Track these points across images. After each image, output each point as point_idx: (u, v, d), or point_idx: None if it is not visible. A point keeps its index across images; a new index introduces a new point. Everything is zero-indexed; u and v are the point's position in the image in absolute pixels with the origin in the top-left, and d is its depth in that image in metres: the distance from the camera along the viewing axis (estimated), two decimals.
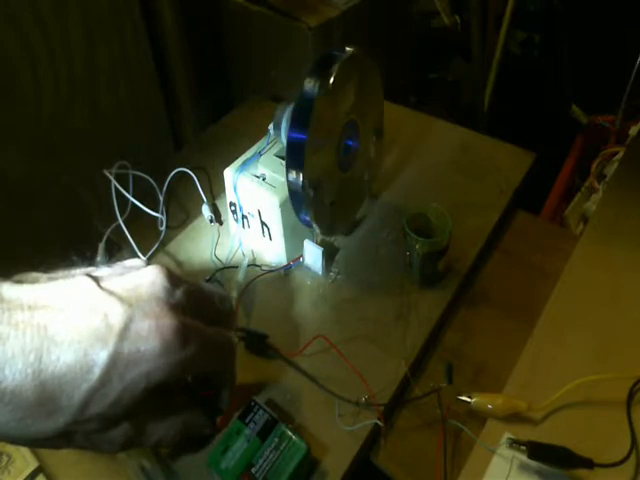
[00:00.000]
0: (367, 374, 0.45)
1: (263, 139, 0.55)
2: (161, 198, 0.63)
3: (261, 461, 0.39)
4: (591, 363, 0.45)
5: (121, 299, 0.31)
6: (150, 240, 0.60)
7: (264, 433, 0.40)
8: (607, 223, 0.57)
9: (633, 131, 0.86)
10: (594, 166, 0.88)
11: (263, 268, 0.56)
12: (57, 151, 0.76)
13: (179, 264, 0.58)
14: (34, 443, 0.31)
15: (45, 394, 0.28)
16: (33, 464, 0.44)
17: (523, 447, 0.39)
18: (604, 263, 0.53)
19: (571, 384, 0.41)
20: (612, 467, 0.38)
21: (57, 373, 0.28)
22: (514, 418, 0.42)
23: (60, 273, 0.33)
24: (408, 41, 1.16)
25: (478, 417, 0.44)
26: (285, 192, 0.48)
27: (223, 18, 0.96)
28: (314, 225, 0.49)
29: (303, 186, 0.45)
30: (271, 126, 0.51)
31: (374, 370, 0.46)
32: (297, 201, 0.47)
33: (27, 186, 0.74)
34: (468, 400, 0.43)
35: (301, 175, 0.44)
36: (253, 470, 0.38)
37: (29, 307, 0.29)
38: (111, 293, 0.31)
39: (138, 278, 0.33)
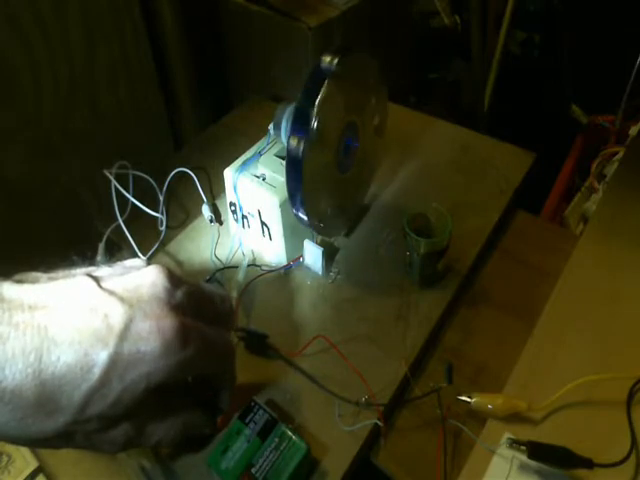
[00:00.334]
0: (367, 374, 0.45)
1: (263, 139, 0.55)
2: (161, 198, 0.63)
3: (261, 461, 0.39)
4: (591, 363, 0.45)
5: (122, 299, 0.31)
6: (150, 240, 0.60)
7: (264, 433, 0.40)
8: (607, 223, 0.57)
9: (633, 131, 0.86)
10: (594, 166, 0.88)
11: (263, 268, 0.56)
12: (57, 151, 0.76)
13: (179, 264, 0.58)
14: (34, 443, 0.31)
15: (45, 394, 0.28)
16: (33, 464, 0.44)
17: (523, 447, 0.39)
18: (604, 263, 0.53)
19: (571, 384, 0.41)
20: (612, 467, 0.38)
21: (57, 373, 0.28)
22: (514, 418, 0.42)
23: (60, 273, 0.33)
24: (408, 41, 1.16)
25: (478, 417, 0.44)
26: (285, 192, 0.48)
27: (223, 18, 0.96)
28: (312, 226, 0.49)
29: (302, 187, 0.44)
30: (271, 126, 0.51)
31: (374, 370, 0.46)
32: (296, 201, 0.47)
33: (27, 186, 0.74)
34: (468, 400, 0.43)
35: (300, 176, 0.44)
36: (253, 470, 0.38)
37: (29, 307, 0.29)
38: (112, 293, 0.31)
39: (139, 278, 0.33)
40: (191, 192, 0.64)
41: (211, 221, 0.61)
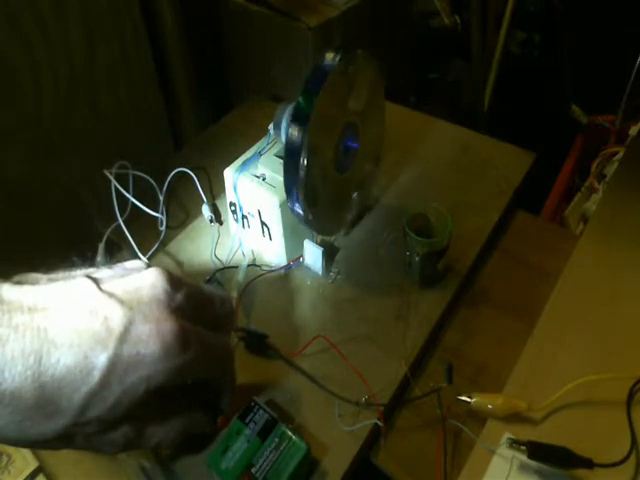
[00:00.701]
0: (367, 374, 0.45)
1: (263, 139, 0.55)
2: (161, 198, 0.63)
3: (261, 461, 0.39)
4: (591, 363, 0.45)
5: (122, 302, 0.31)
6: (150, 240, 0.60)
7: (264, 433, 0.40)
8: (607, 223, 0.57)
9: (633, 131, 0.86)
10: (594, 166, 0.88)
11: (263, 268, 0.56)
12: (57, 151, 0.76)
13: (179, 264, 0.58)
14: (33, 445, 0.31)
15: (45, 396, 0.28)
16: (33, 464, 0.44)
17: (523, 447, 0.39)
18: (604, 263, 0.53)
19: (571, 384, 0.41)
20: (612, 467, 0.38)
21: (57, 376, 0.28)
22: (514, 418, 0.42)
23: (60, 274, 0.33)
24: (408, 41, 1.16)
25: (478, 417, 0.44)
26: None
27: (223, 18, 0.96)
28: (311, 225, 0.49)
29: (300, 185, 0.44)
30: (271, 126, 0.51)
31: (374, 370, 0.46)
32: (294, 200, 0.47)
33: (27, 186, 0.74)
34: (468, 400, 0.43)
35: (298, 174, 0.44)
36: (253, 470, 0.38)
37: (29, 309, 0.29)
38: (111, 296, 0.31)
39: (139, 281, 0.33)
40: (191, 192, 0.64)
41: (211, 221, 0.61)
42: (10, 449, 0.45)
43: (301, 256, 0.55)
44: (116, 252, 0.60)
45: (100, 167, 0.61)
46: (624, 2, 1.09)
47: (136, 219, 0.61)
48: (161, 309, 0.32)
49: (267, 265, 0.56)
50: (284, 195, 0.48)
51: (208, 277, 0.55)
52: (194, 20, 0.93)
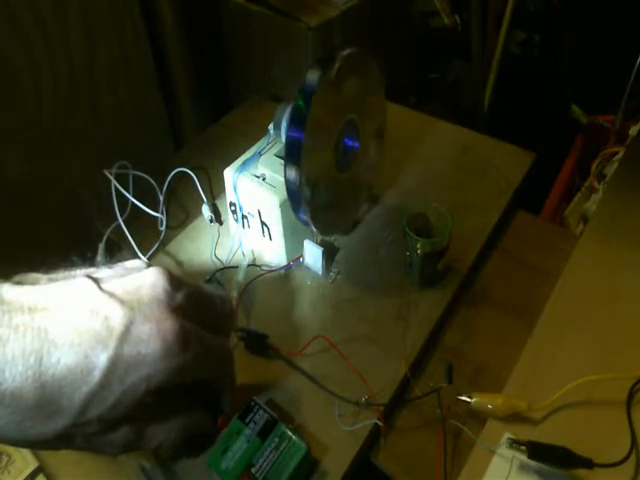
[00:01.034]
0: (367, 374, 0.45)
1: (263, 139, 0.55)
2: (161, 198, 0.63)
3: (261, 461, 0.39)
4: (591, 363, 0.45)
5: (122, 302, 0.31)
6: (150, 240, 0.60)
7: (264, 433, 0.40)
8: (607, 223, 0.57)
9: (633, 131, 0.86)
10: (594, 166, 0.88)
11: (263, 268, 0.56)
12: (57, 151, 0.76)
13: (179, 264, 0.58)
14: (34, 445, 0.31)
15: (45, 396, 0.28)
16: (33, 464, 0.44)
17: (523, 447, 0.39)
18: (604, 263, 0.53)
19: (571, 384, 0.41)
20: (612, 467, 0.38)
21: (57, 375, 0.28)
22: (514, 418, 0.42)
23: (60, 274, 0.33)
24: (408, 41, 1.16)
25: (478, 417, 0.44)
26: (285, 192, 0.48)
27: (223, 18, 0.96)
28: (311, 224, 0.49)
29: (301, 185, 0.45)
30: (271, 126, 0.51)
31: (374, 370, 0.46)
32: (295, 200, 0.47)
33: (27, 186, 0.74)
34: (468, 400, 0.43)
35: (299, 174, 0.44)
36: (253, 470, 0.38)
37: (29, 309, 0.29)
38: (112, 295, 0.31)
39: (139, 280, 0.33)
40: (191, 192, 0.64)
41: (211, 221, 0.61)
42: (10, 449, 0.45)
43: (301, 256, 0.55)
44: (116, 252, 0.60)
45: (100, 167, 0.61)
46: (624, 2, 1.09)
47: (136, 219, 0.61)
48: (161, 309, 0.32)
49: (267, 265, 0.56)
50: (284, 195, 0.48)
51: (208, 277, 0.55)
52: (194, 20, 0.93)
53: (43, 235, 0.76)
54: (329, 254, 0.56)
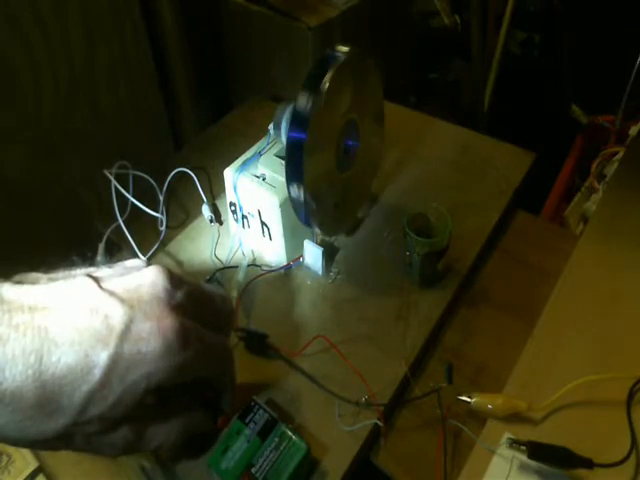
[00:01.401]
0: (367, 374, 0.45)
1: (263, 139, 0.55)
2: (161, 198, 0.63)
3: (261, 461, 0.39)
4: (591, 363, 0.45)
5: (122, 300, 0.31)
6: (150, 240, 0.60)
7: (264, 433, 0.40)
8: (607, 223, 0.57)
9: (633, 131, 0.86)
10: (594, 166, 0.88)
11: (263, 268, 0.56)
12: (57, 151, 0.76)
13: (179, 264, 0.58)
14: (33, 445, 0.31)
15: (45, 395, 0.28)
16: (33, 464, 0.44)
17: (523, 447, 0.39)
18: (604, 263, 0.53)
19: (571, 384, 0.41)
20: (612, 467, 0.38)
21: (58, 374, 0.28)
22: (514, 418, 0.42)
23: (60, 273, 0.33)
24: (408, 41, 1.16)
25: (478, 417, 0.44)
26: (285, 192, 0.48)
27: (223, 18, 0.96)
28: (313, 225, 0.49)
29: (302, 185, 0.44)
30: (271, 126, 0.51)
31: (374, 370, 0.46)
32: (296, 201, 0.47)
33: (27, 186, 0.74)
34: (468, 400, 0.43)
35: (300, 174, 0.44)
36: (253, 470, 0.38)
37: (29, 308, 0.29)
38: (112, 294, 0.31)
39: (139, 279, 0.33)
40: (191, 192, 0.64)
41: (211, 221, 0.61)
42: (10, 449, 0.45)
43: (301, 256, 0.55)
44: (116, 252, 0.60)
45: (100, 167, 0.61)
46: (624, 2, 1.09)
47: (136, 219, 0.61)
48: (161, 307, 0.32)
49: (267, 265, 0.56)
50: (284, 195, 0.49)
51: (208, 277, 0.55)
52: (194, 20, 0.94)
53: (43, 235, 0.76)
54: (329, 254, 0.56)
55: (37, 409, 0.28)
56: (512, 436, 0.41)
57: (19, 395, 0.27)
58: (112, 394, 0.30)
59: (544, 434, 0.41)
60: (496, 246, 0.59)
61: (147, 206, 0.61)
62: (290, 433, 0.40)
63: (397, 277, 0.54)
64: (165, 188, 0.63)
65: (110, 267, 0.35)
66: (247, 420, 0.41)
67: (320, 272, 0.55)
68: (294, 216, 0.49)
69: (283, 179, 0.49)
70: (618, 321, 0.48)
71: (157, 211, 0.62)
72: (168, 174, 0.63)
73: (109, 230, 0.60)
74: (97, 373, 0.29)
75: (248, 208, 0.54)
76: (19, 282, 0.31)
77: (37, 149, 0.74)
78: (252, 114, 0.78)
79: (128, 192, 0.60)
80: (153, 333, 0.30)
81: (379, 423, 0.43)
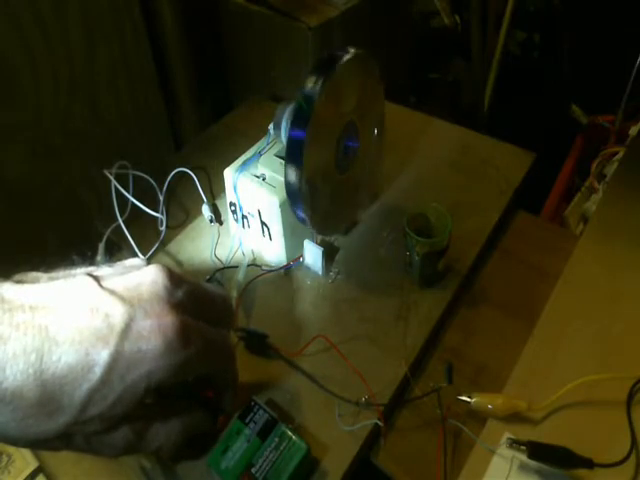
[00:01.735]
0: (367, 374, 0.45)
1: (263, 139, 0.55)
2: (161, 198, 0.63)
3: (261, 461, 0.39)
4: (591, 363, 0.45)
5: (122, 299, 0.31)
6: (150, 240, 0.60)
7: (264, 433, 0.40)
8: (607, 223, 0.57)
9: (633, 131, 0.86)
10: (594, 166, 0.88)
11: (263, 268, 0.56)
12: (57, 151, 0.76)
13: (179, 264, 0.58)
14: (34, 444, 0.31)
15: (46, 394, 0.28)
16: (33, 464, 0.44)
17: (523, 447, 0.39)
18: (604, 263, 0.53)
19: (571, 384, 0.41)
20: (612, 467, 0.38)
21: (58, 373, 0.28)
22: (514, 418, 0.42)
23: (61, 273, 0.33)
24: (408, 41, 1.16)
25: (478, 417, 0.44)
26: (285, 192, 0.48)
27: (223, 18, 0.96)
28: (310, 224, 0.49)
29: (301, 185, 0.45)
30: (271, 126, 0.51)
31: (374, 370, 0.46)
32: (295, 200, 0.47)
33: (27, 186, 0.74)
34: (468, 400, 0.43)
35: (299, 174, 0.44)
36: (253, 470, 0.38)
37: (30, 307, 0.29)
38: (112, 293, 0.31)
39: (139, 277, 0.33)
40: (191, 192, 0.64)
41: (211, 221, 0.61)
42: (10, 449, 0.45)
43: (301, 256, 0.55)
44: (116, 252, 0.60)
45: (100, 167, 0.61)
46: (624, 2, 1.09)
47: (136, 219, 0.61)
48: (162, 305, 0.32)
49: (267, 265, 0.56)
50: (284, 195, 0.48)
51: (208, 277, 0.55)
52: (194, 20, 0.94)
53: (43, 235, 0.76)
54: (329, 254, 0.56)
55: (38, 408, 0.28)
56: (512, 436, 0.41)
57: (20, 394, 0.27)
58: (113, 393, 0.30)
59: (544, 434, 0.41)
60: (496, 246, 0.59)
61: (147, 206, 0.61)
62: (290, 433, 0.40)
63: (397, 277, 0.54)
64: (165, 188, 0.63)
65: (110, 266, 0.35)
66: (247, 420, 0.41)
67: (320, 272, 0.55)
68: (294, 216, 0.49)
69: (283, 179, 0.49)
70: (618, 321, 0.48)
71: (157, 211, 0.62)
72: (168, 174, 0.63)
73: (109, 230, 0.59)
74: (98, 372, 0.29)
75: (248, 208, 0.54)
76: (19, 281, 0.31)
77: (37, 149, 0.74)
78: (252, 114, 0.78)
79: (128, 192, 0.60)
80: (154, 331, 0.30)
81: (379, 423, 0.43)
